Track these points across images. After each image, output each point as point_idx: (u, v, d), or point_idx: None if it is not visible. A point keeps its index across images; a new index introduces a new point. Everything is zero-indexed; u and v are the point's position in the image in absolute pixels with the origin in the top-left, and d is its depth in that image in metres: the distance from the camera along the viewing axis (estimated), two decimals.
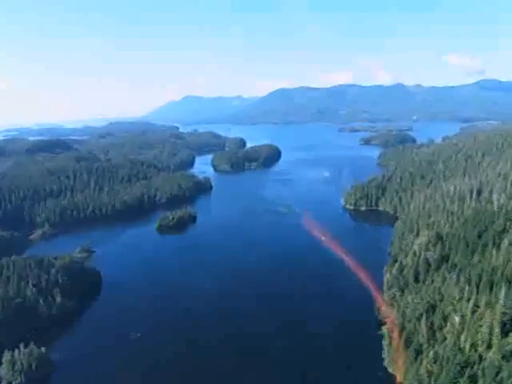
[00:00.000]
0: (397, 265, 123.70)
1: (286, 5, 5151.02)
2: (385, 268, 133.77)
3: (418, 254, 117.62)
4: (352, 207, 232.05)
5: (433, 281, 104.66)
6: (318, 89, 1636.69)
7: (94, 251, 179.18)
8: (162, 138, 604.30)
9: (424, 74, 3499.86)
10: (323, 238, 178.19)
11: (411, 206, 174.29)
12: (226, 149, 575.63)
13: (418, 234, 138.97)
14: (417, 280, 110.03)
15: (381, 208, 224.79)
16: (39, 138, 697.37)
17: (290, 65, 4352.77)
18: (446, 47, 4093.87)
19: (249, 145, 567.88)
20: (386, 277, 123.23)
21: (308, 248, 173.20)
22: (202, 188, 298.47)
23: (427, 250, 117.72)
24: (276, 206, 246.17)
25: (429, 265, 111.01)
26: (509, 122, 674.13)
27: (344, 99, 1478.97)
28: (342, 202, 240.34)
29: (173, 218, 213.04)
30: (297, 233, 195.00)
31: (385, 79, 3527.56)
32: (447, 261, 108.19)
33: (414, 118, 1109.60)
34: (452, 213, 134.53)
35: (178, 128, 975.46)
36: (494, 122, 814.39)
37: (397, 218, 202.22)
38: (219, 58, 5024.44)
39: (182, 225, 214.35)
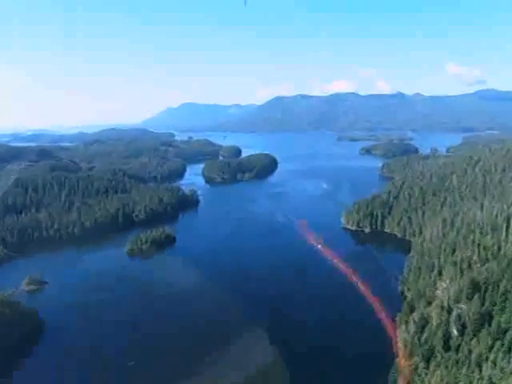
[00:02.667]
0: (416, 316, 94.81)
1: (284, 13, 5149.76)
2: (398, 317, 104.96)
3: (446, 306, 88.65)
4: (354, 228, 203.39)
5: (470, 351, 75.80)
6: (316, 97, 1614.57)
7: (46, 282, 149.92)
8: (153, 145, 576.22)
9: (423, 84, 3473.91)
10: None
11: (427, 234, 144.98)
12: (220, 157, 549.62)
13: (440, 274, 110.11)
14: (447, 346, 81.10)
15: (387, 230, 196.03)
16: (28, 144, 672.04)
17: (288, 73, 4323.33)
18: (446, 57, 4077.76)
19: (244, 153, 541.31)
20: (401, 334, 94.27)
21: (307, 278, 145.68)
22: (188, 202, 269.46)
23: (457, 301, 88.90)
24: (269, 225, 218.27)
25: (463, 325, 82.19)
26: (510, 132, 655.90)
27: (343, 108, 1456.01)
28: (343, 221, 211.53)
29: (146, 241, 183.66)
30: (294, 259, 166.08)
31: (384, 88, 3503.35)
32: (490, 322, 79.44)
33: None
34: (485, 248, 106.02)
35: (173, 135, 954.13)
36: (495, 132, 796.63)
37: (405, 242, 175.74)
38: (218, 66, 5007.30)
39: (157, 247, 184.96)
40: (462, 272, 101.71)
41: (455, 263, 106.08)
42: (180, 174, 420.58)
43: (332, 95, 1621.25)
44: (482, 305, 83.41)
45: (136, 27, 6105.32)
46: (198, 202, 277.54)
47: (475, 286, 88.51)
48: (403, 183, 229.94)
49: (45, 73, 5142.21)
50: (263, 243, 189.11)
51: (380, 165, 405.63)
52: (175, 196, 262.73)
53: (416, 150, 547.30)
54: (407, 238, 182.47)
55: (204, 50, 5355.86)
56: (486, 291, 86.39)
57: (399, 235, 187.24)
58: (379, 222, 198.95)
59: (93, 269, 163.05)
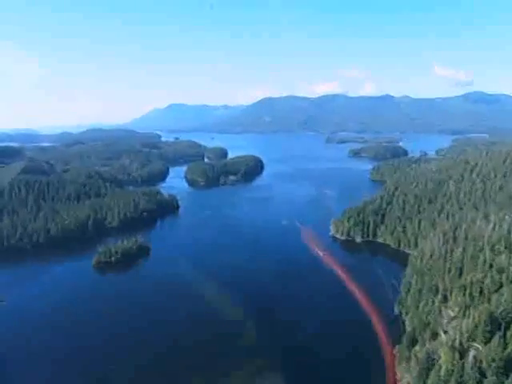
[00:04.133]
0: (420, 353, 79.66)
1: (271, 15, 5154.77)
2: (397, 350, 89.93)
3: (458, 346, 73.33)
4: (344, 237, 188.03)
5: None
6: (305, 98, 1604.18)
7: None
8: (135, 147, 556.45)
9: (411, 86, 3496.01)
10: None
11: (426, 248, 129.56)
12: (206, 159, 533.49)
13: (445, 299, 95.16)
14: None
15: (380, 240, 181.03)
16: (8, 144, 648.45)
17: (277, 74, 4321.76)
18: (433, 59, 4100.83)
19: (231, 155, 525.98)
20: (402, 374, 78.92)
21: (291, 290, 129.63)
22: (167, 207, 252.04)
23: (472, 338, 73.75)
24: (253, 233, 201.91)
25: (481, 373, 66.92)
26: (499, 135, 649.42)
27: (331, 109, 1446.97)
28: (332, 229, 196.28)
29: (116, 252, 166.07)
30: (275, 277, 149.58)
31: (372, 90, 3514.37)
32: None
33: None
34: (499, 271, 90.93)
35: (159, 136, 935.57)
36: (484, 134, 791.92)
37: (400, 253, 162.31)
38: (206, 67, 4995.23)
39: (129, 260, 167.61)
40: (472, 299, 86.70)
41: (464, 288, 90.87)
42: (162, 176, 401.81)
43: (321, 96, 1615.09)
44: (505, 348, 68.32)
45: (121, 27, 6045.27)
46: (177, 207, 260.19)
47: (493, 322, 73.43)
48: (396, 189, 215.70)
49: (35, 73, 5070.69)
50: (248, 255, 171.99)
51: (369, 167, 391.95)
52: (153, 201, 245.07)
53: (405, 153, 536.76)
54: (402, 248, 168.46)
55: (193, 51, 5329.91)
56: (507, 328, 71.38)
57: (393, 245, 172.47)
58: (371, 231, 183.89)
59: (52, 284, 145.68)
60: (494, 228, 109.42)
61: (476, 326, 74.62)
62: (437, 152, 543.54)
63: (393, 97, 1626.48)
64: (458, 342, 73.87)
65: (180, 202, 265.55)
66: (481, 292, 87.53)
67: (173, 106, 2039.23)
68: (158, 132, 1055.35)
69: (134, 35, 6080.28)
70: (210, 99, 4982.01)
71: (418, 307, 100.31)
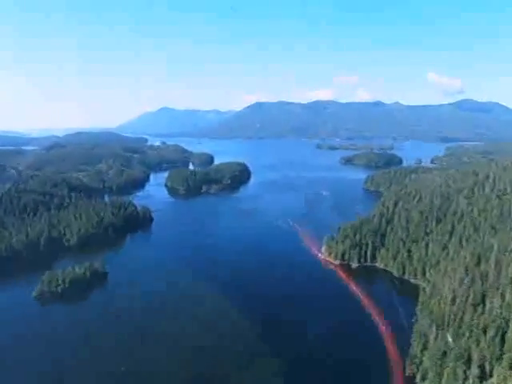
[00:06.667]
0: None
1: (268, 23, 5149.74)
2: None
3: None
4: (338, 261, 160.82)
5: None
6: (296, 104, 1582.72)
7: None
8: (117, 151, 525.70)
9: (403, 93, 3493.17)
10: None
11: (443, 286, 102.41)
12: (191, 165, 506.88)
13: (483, 373, 68.41)
14: None
15: (380, 265, 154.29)
16: None
17: (268, 79, 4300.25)
18: (426, 67, 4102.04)
19: (217, 161, 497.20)
20: None
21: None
22: (139, 221, 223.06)
23: None
24: (234, 255, 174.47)
25: None
26: (491, 144, 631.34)
27: (323, 115, 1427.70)
28: (324, 251, 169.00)
29: (63, 280, 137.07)
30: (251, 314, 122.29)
31: (364, 97, 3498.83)
32: None
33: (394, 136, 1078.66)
34: None
35: (146, 140, 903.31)
36: (475, 143, 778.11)
37: (405, 283, 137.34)
38: (196, 71, 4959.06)
39: (79, 289, 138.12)
40: None
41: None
42: (141, 184, 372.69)
43: (312, 102, 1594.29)
44: None
45: (116, 29, 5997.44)
46: (151, 220, 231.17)
47: None
48: (396, 204, 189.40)
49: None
50: (227, 283, 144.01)
51: (363, 176, 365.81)
52: (121, 214, 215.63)
53: (400, 161, 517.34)
54: (406, 277, 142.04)
55: (187, 56, 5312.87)
56: None
57: (396, 273, 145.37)
58: (369, 255, 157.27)
59: None
60: None
61: None
62: (432, 160, 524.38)
63: (384, 103, 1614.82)
64: None
65: (155, 214, 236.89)
66: None
67: (164, 110, 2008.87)
68: (147, 136, 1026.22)
69: (126, 39, 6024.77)
70: (202, 104, 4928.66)
71: (440, 378, 73.41)
